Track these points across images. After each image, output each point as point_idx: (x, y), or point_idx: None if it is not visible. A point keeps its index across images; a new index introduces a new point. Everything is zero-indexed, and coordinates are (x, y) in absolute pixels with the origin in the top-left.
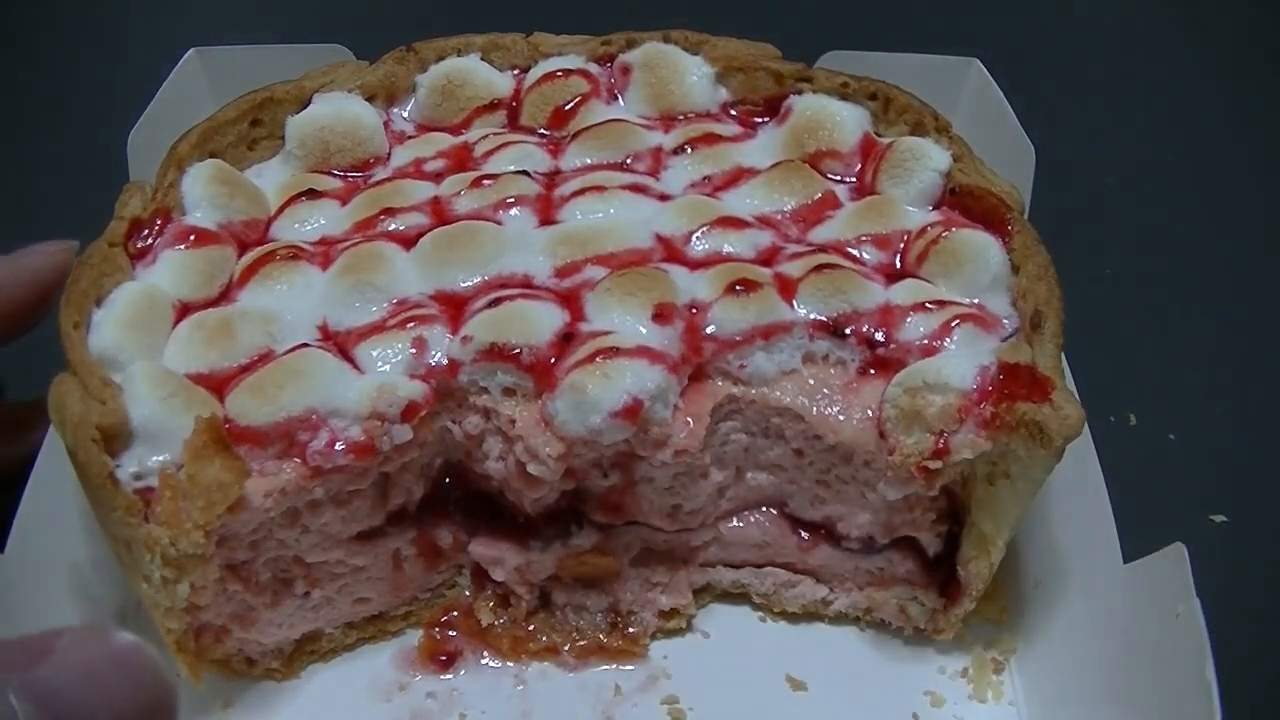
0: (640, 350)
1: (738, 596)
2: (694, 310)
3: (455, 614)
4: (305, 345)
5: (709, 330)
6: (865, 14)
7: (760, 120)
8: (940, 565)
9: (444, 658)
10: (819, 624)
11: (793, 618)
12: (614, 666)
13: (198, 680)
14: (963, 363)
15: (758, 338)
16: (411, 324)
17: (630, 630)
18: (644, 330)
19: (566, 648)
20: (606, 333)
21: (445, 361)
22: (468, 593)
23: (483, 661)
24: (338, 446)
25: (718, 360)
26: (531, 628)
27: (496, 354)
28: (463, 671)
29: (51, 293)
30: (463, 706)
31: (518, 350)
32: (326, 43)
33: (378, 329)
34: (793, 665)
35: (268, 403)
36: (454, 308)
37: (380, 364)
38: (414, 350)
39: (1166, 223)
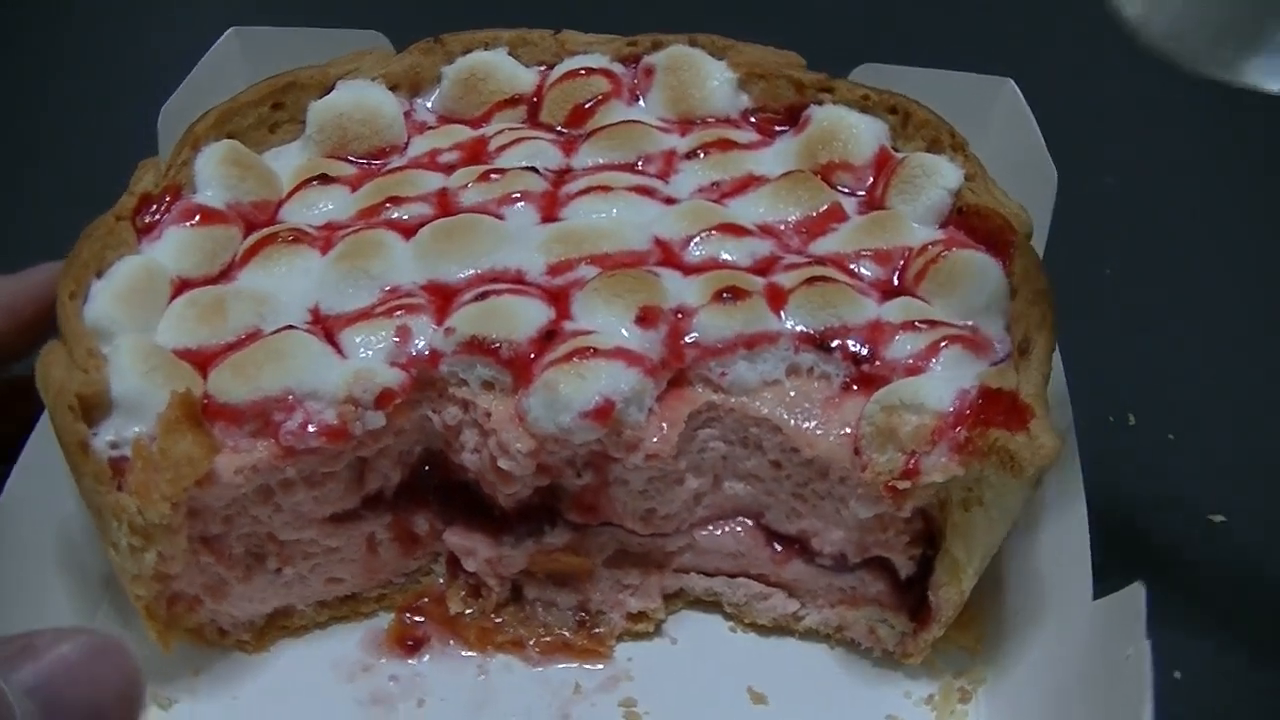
0: (618, 352)
1: (710, 605)
2: (680, 315)
3: (426, 600)
4: (291, 327)
5: (692, 336)
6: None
7: (780, 129)
8: (912, 589)
9: (411, 643)
10: (789, 639)
11: (763, 630)
12: (578, 665)
13: (167, 647)
14: (942, 384)
15: (741, 346)
16: (399, 312)
17: (596, 630)
18: (625, 332)
19: (532, 642)
20: (589, 332)
21: (427, 351)
22: (442, 580)
23: (449, 649)
24: (310, 428)
25: (699, 367)
26: (499, 620)
27: (476, 347)
28: (427, 657)
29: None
30: (422, 692)
31: (497, 344)
32: (367, 29)
33: (365, 315)
34: (756, 678)
35: (246, 382)
36: (443, 299)
37: (363, 350)
38: (397, 339)
39: (1166, 223)
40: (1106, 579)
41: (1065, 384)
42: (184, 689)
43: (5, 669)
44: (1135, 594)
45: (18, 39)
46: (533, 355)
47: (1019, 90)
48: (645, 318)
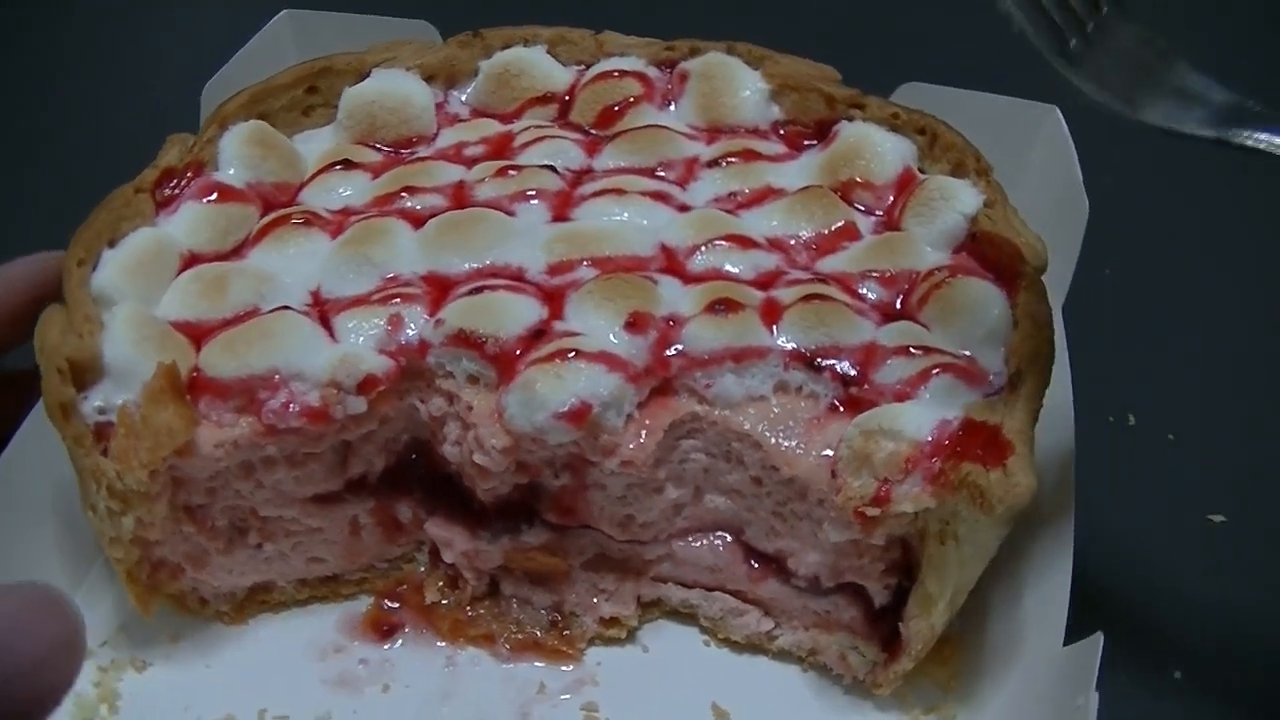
0: (601, 356)
1: (687, 617)
2: (671, 323)
3: (405, 587)
4: (286, 308)
5: (680, 345)
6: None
7: (808, 143)
8: (886, 618)
9: (386, 628)
10: (762, 658)
11: (737, 647)
12: (546, 665)
13: (147, 612)
14: (923, 413)
15: (728, 359)
16: (395, 301)
17: (568, 632)
18: (613, 337)
19: (504, 638)
20: (577, 334)
21: (416, 341)
22: (423, 569)
23: (422, 638)
24: (292, 408)
25: (685, 377)
26: (473, 613)
27: (463, 340)
28: (400, 644)
29: (42, 301)
30: (389, 677)
31: (484, 339)
32: (420, 19)
33: (361, 301)
34: (722, 694)
35: (234, 358)
36: (440, 290)
37: (354, 336)
38: (389, 327)
39: (1166, 223)
40: (1105, 586)
41: (1071, 403)
42: (160, 654)
43: None
44: (1094, 644)
45: (18, 39)
46: (519, 352)
47: (1063, 119)
48: (634, 323)
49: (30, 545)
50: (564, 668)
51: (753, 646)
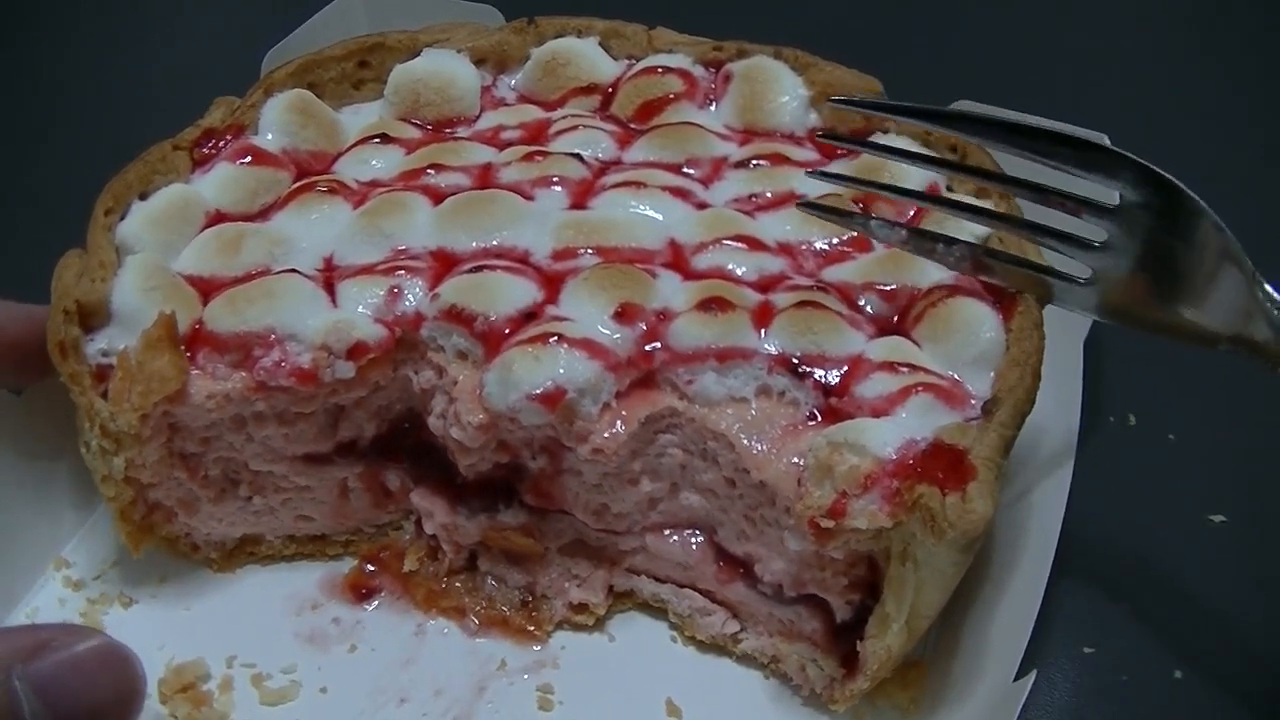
0: (584, 342)
1: (659, 612)
2: (661, 317)
3: (386, 553)
4: (293, 271)
5: (665, 340)
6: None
7: (841, 152)
8: (848, 635)
9: (364, 591)
10: (727, 660)
11: (704, 647)
12: (512, 643)
13: (136, 550)
14: (892, 430)
15: (712, 358)
16: (399, 273)
17: (536, 613)
18: (601, 325)
19: (474, 612)
20: (566, 319)
21: (412, 313)
22: (409, 537)
23: (397, 604)
24: (283, 367)
25: (668, 371)
26: (447, 585)
27: (454, 316)
28: (375, 607)
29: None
30: (357, 638)
31: (474, 316)
32: (486, 4)
33: (367, 270)
34: (679, 691)
35: (235, 314)
36: (445, 266)
37: (354, 303)
38: (388, 297)
39: None
40: (1105, 586)
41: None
42: (147, 593)
43: (18, 663)
44: (1022, 686)
45: (18, 39)
46: (507, 332)
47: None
48: (624, 314)
49: (46, 476)
50: (529, 648)
51: (718, 648)
